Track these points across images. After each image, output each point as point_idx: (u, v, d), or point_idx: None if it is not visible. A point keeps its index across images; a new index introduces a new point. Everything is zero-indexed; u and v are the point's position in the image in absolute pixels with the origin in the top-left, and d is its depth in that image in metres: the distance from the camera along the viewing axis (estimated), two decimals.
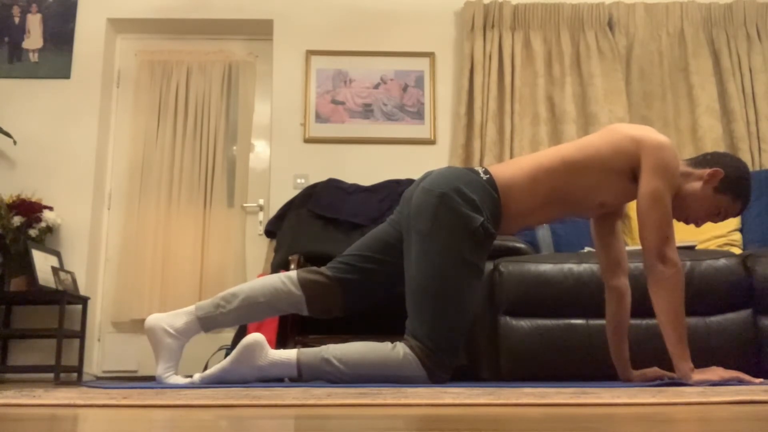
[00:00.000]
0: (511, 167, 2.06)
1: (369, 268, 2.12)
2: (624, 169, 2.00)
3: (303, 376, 1.94)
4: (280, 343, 3.01)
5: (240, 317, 2.13)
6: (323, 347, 1.96)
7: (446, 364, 1.96)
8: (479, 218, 1.96)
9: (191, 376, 2.08)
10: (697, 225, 2.10)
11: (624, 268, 2.19)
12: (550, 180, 2.01)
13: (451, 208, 1.96)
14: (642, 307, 2.30)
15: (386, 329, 2.97)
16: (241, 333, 3.04)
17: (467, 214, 1.95)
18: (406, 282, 2.03)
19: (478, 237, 1.96)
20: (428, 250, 1.97)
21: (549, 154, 2.04)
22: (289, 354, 1.95)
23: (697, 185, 2.03)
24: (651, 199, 1.93)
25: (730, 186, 2.02)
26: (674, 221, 2.08)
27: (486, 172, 2.04)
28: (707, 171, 2.02)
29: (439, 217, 1.96)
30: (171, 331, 2.04)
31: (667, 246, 1.91)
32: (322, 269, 2.14)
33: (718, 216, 2.07)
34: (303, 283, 2.09)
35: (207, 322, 2.09)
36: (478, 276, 2.01)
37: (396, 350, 1.95)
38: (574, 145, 2.05)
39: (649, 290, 1.93)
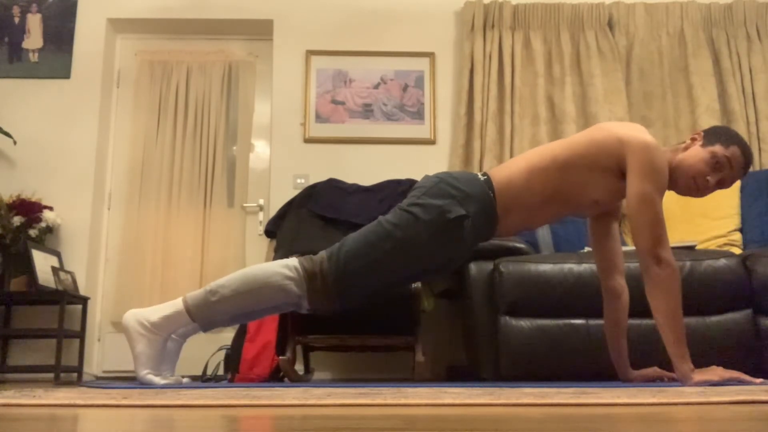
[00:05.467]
0: (507, 168, 2.09)
1: None
2: (610, 168, 2.02)
3: (194, 316, 1.96)
4: (281, 343, 3.01)
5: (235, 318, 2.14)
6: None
7: (332, 297, 1.96)
8: (460, 211, 1.97)
9: (186, 377, 2.09)
10: (708, 187, 2.02)
11: (620, 269, 2.20)
12: (543, 179, 2.03)
13: (439, 189, 2.01)
14: (642, 307, 2.30)
15: (386, 329, 2.97)
16: (242, 333, 3.04)
17: (448, 202, 1.98)
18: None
19: (447, 226, 1.97)
20: (399, 209, 2.02)
21: (541, 153, 2.07)
22: (175, 303, 1.98)
23: (685, 152, 2.06)
24: (640, 202, 1.93)
25: (716, 136, 2.04)
26: (687, 200, 2.08)
27: (484, 174, 2.09)
28: (690, 137, 2.09)
29: (426, 193, 2.01)
30: (175, 337, 2.05)
31: (661, 247, 1.91)
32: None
33: (719, 170, 2.00)
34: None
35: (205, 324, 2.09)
36: (419, 255, 1.99)
37: (282, 262, 1.98)
38: (562, 144, 2.07)
39: (646, 292, 1.94)
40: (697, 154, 2.03)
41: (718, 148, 2.01)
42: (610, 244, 2.20)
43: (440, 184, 2.02)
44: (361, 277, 1.96)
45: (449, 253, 2.01)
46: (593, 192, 2.04)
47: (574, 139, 2.06)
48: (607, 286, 2.20)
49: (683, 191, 2.08)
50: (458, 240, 1.99)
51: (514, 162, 2.09)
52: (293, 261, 1.98)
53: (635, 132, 1.99)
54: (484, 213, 2.01)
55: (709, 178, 2.01)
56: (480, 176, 2.07)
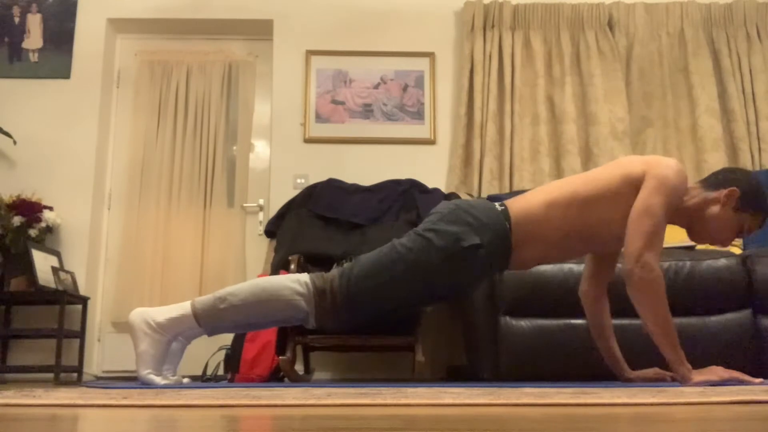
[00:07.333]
0: (524, 200, 2.06)
1: None
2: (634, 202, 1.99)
3: (200, 321, 1.96)
4: (281, 343, 3.01)
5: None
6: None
7: (339, 316, 1.96)
8: (474, 239, 1.95)
9: (186, 377, 2.10)
10: (725, 245, 2.08)
11: (607, 280, 2.23)
12: (563, 213, 2.00)
13: (455, 216, 1.99)
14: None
15: (386, 329, 2.97)
16: (242, 333, 3.04)
17: (464, 229, 1.96)
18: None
19: (460, 253, 1.95)
20: (414, 233, 2.01)
21: (560, 187, 2.04)
22: (183, 306, 1.98)
23: (716, 209, 2.02)
24: (643, 211, 1.91)
25: (749, 203, 2.01)
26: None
27: (502, 204, 2.06)
28: (723, 192, 2.01)
29: (442, 219, 2.00)
30: (180, 338, 2.05)
31: (648, 251, 1.89)
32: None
33: (743, 233, 2.06)
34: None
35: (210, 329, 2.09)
36: (430, 279, 1.98)
37: (293, 276, 1.97)
38: (582, 179, 2.04)
39: (632, 300, 1.92)
40: (728, 220, 2.01)
41: (747, 217, 2.02)
42: (607, 270, 2.23)
43: (457, 211, 2.00)
44: (371, 297, 1.96)
45: (459, 281, 2.00)
46: (617, 228, 2.01)
47: (595, 174, 2.04)
48: (584, 290, 2.22)
49: (695, 238, 2.09)
50: (470, 268, 1.98)
51: (531, 194, 2.07)
52: (305, 277, 1.97)
53: (660, 158, 2.00)
54: (499, 243, 1.99)
55: (728, 240, 2.06)
56: (497, 206, 2.05)
